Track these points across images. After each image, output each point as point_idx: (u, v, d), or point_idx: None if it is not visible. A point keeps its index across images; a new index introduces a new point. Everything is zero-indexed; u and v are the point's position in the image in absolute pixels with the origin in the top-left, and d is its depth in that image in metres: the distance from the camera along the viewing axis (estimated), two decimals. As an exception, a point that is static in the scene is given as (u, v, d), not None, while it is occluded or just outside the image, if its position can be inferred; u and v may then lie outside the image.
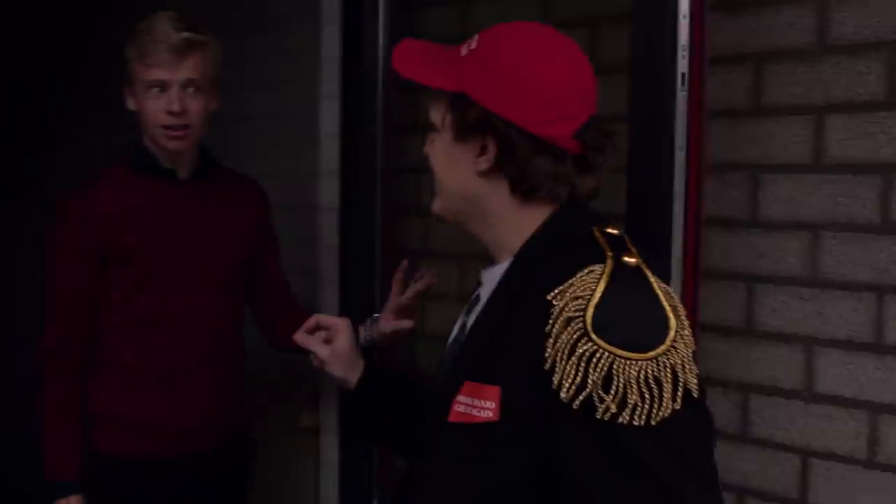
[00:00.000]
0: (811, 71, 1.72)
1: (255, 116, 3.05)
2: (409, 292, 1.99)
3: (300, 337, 1.61)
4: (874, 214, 1.66)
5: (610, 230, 1.24)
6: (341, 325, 1.60)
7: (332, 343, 1.58)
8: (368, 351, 2.15)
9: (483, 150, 1.25)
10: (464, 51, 1.29)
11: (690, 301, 1.60)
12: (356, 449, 2.39)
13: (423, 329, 2.40)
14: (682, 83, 1.56)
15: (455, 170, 1.29)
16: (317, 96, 2.59)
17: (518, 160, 1.24)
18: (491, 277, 1.31)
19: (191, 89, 2.02)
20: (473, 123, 1.25)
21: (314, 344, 1.59)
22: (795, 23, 1.74)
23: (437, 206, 1.36)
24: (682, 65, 1.55)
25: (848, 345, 1.69)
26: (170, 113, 2.00)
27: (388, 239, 2.36)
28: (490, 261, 1.35)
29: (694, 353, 1.15)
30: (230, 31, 3.12)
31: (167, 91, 2.01)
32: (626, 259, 1.17)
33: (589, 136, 1.26)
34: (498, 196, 1.27)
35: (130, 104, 2.08)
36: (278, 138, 2.94)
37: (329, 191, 2.56)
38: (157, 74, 2.00)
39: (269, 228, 2.28)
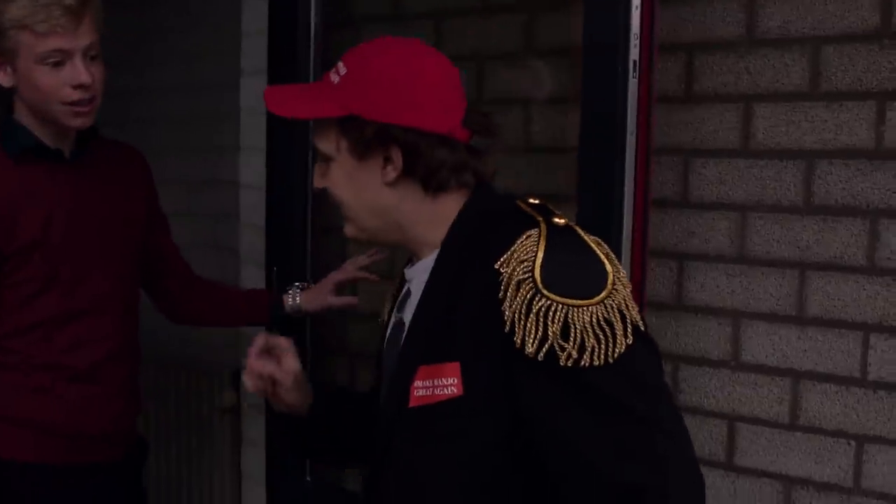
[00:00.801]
0: (740, 61, 1.84)
1: (163, 90, 2.97)
2: (351, 265, 2.01)
3: (259, 365, 1.43)
4: (798, 197, 1.80)
5: (531, 200, 1.33)
6: (285, 343, 1.48)
7: (281, 364, 1.45)
8: (292, 319, 2.16)
9: (387, 162, 1.30)
10: (334, 78, 1.33)
11: (638, 280, 1.70)
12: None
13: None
14: (634, 70, 1.64)
15: (362, 189, 1.33)
16: (237, 71, 2.55)
17: (423, 159, 1.30)
18: (418, 272, 1.37)
19: (90, 55, 1.77)
20: (372, 139, 1.29)
21: (274, 369, 1.44)
22: (726, 16, 1.85)
23: (350, 230, 1.39)
24: (634, 52, 1.63)
25: (772, 317, 1.83)
26: (77, 86, 1.76)
27: (318, 217, 2.36)
28: (409, 261, 1.40)
29: (631, 291, 1.26)
30: (130, 1, 3.03)
31: (67, 61, 1.74)
32: (556, 220, 1.27)
33: (474, 122, 1.34)
34: (409, 201, 1.32)
35: (6, 80, 1.79)
36: (190, 113, 2.88)
37: (250, 167, 2.53)
38: (56, 43, 1.72)
39: (156, 203, 2.13)
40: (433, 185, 1.31)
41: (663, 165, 1.91)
